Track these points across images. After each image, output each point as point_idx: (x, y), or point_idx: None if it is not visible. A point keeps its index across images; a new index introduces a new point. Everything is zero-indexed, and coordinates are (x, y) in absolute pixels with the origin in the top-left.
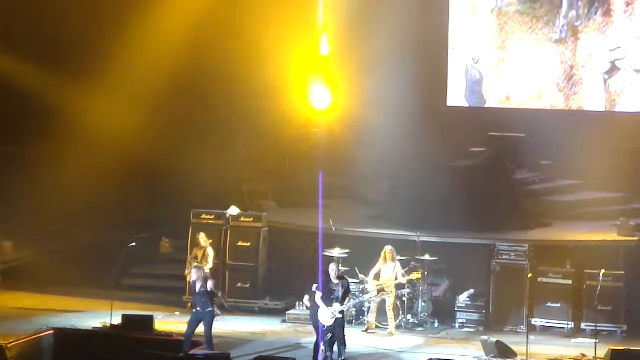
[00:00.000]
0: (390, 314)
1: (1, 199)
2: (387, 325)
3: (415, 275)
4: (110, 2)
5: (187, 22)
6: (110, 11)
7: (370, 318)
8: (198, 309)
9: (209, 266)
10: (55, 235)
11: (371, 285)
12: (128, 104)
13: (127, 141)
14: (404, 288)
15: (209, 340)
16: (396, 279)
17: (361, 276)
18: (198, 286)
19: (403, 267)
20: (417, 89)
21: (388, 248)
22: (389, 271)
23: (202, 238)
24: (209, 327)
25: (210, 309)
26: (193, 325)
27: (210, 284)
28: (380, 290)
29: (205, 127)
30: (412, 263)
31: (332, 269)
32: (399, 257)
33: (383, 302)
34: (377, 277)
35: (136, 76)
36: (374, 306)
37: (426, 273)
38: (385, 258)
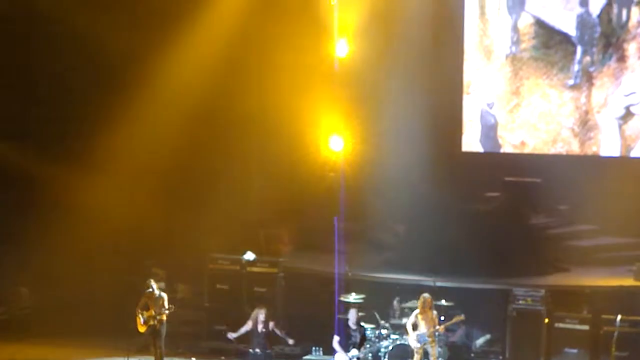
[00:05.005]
0: None
1: (17, 244)
2: None
3: (457, 318)
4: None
5: (201, 67)
6: (124, 57)
7: None
8: (257, 350)
9: (166, 310)
10: (72, 281)
11: (412, 336)
12: (147, 146)
13: (144, 184)
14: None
15: None
16: (435, 326)
17: (382, 322)
18: (260, 327)
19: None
20: (431, 134)
21: (426, 296)
22: (428, 319)
23: (154, 285)
24: None
25: (269, 350)
26: None
27: (271, 325)
28: (425, 340)
29: (221, 172)
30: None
31: (352, 314)
32: (413, 302)
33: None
34: (415, 327)
35: (154, 121)
36: (417, 359)
37: (442, 318)
38: (423, 306)
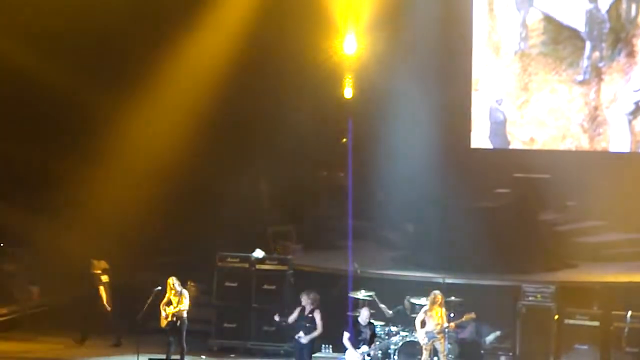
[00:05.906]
0: None
1: (28, 243)
2: None
3: (468, 316)
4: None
5: (209, 66)
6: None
7: None
8: (301, 334)
9: (185, 308)
10: (82, 279)
11: (421, 333)
12: (157, 146)
13: (153, 184)
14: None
15: None
16: (444, 322)
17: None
18: (307, 311)
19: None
20: (440, 131)
21: (437, 293)
22: (437, 316)
23: (176, 282)
24: (308, 358)
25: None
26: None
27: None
28: (433, 337)
29: (231, 170)
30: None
31: (364, 311)
32: (423, 299)
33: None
34: (423, 324)
35: (164, 121)
36: (425, 355)
37: (452, 315)
38: (433, 303)
